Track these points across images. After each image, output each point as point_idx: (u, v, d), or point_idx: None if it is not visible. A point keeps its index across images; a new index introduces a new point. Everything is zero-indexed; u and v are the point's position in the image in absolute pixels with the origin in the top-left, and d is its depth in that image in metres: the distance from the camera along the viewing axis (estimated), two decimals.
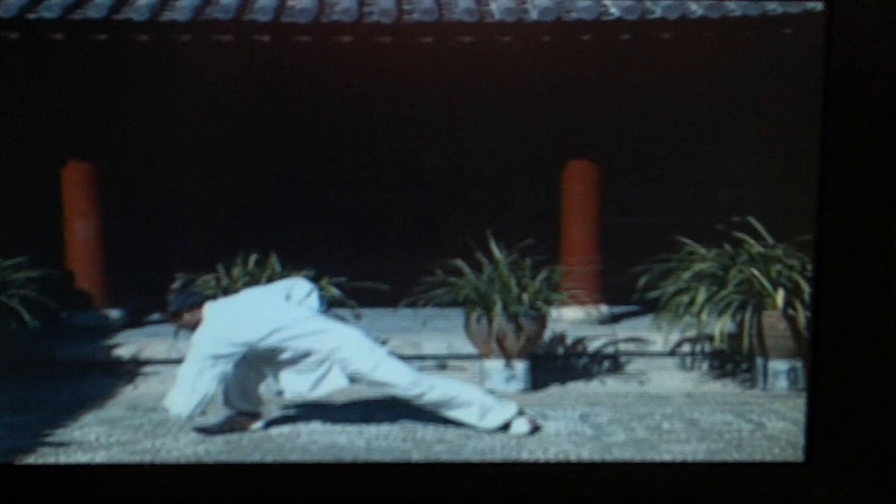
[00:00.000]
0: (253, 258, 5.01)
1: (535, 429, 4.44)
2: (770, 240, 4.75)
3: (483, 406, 4.47)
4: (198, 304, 4.43)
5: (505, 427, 4.42)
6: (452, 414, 4.44)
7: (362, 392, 4.59)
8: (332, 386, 4.44)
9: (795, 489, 3.58)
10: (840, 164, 3.34)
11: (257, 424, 4.46)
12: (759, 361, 4.87)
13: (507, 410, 4.45)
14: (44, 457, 4.17)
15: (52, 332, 5.02)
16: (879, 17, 3.26)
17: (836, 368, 3.42)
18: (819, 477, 3.50)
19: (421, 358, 4.93)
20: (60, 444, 4.28)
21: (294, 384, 4.46)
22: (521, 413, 4.47)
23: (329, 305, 4.91)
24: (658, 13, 5.05)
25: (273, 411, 4.57)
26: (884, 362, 3.38)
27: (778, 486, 3.63)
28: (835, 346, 3.42)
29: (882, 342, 3.38)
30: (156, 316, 5.30)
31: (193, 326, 4.40)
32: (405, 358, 4.63)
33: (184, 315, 4.43)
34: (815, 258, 3.42)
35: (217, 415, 4.46)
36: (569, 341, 5.13)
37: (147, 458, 4.22)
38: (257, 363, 4.44)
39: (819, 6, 3.41)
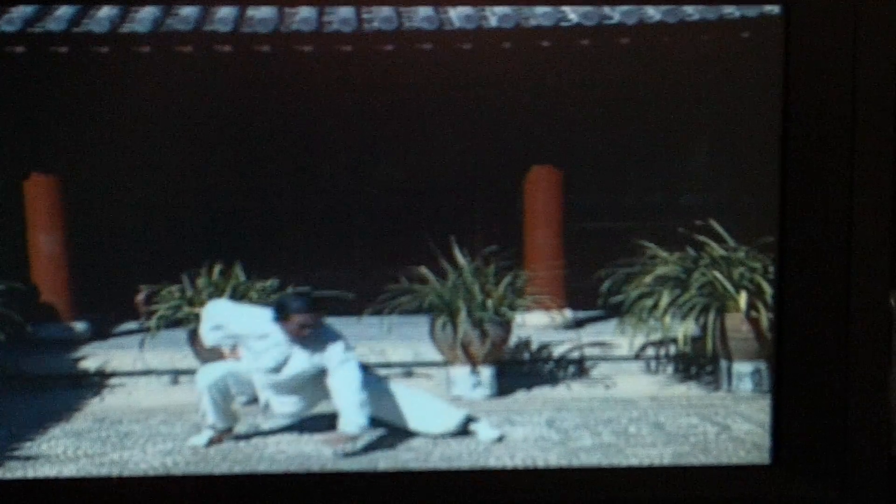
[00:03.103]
0: (217, 268, 5.01)
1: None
2: (732, 243, 4.78)
3: (434, 409, 4.52)
4: (308, 309, 4.47)
5: (468, 433, 4.46)
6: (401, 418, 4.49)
7: (329, 402, 4.61)
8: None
9: (762, 491, 3.60)
10: (800, 166, 3.37)
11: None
12: (723, 364, 4.89)
13: (457, 413, 4.50)
14: (11, 471, 4.15)
15: (18, 345, 5.00)
16: (836, 20, 3.29)
17: (800, 370, 3.45)
18: (785, 479, 3.53)
19: (387, 365, 4.94)
20: (28, 458, 4.26)
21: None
22: (473, 419, 4.51)
23: None
24: (616, 18, 5.07)
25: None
26: (847, 363, 3.41)
27: (744, 489, 3.65)
28: (799, 347, 3.45)
29: (845, 343, 3.41)
30: (121, 328, 5.30)
31: (300, 331, 4.43)
32: (371, 365, 4.66)
33: (296, 317, 4.45)
34: (777, 260, 3.45)
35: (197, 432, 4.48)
36: (534, 347, 5.15)
37: (115, 471, 4.22)
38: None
39: (776, 10, 3.44)
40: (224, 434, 4.45)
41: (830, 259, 3.40)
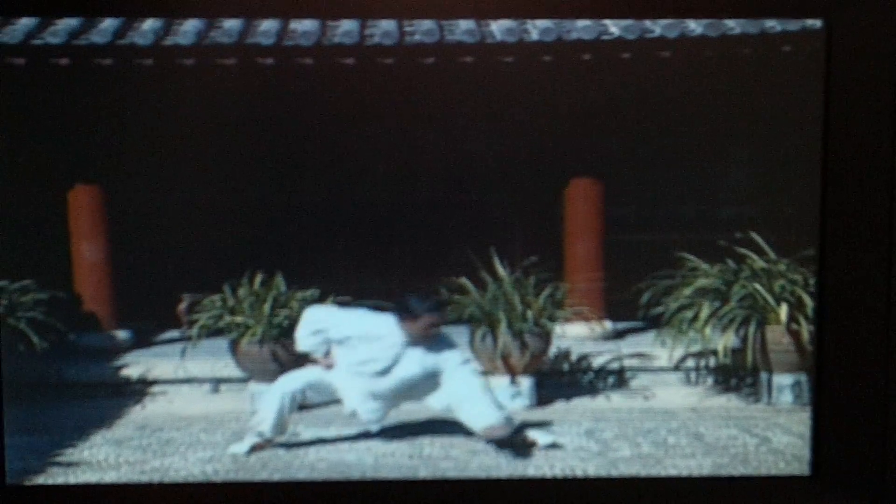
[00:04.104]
0: (258, 278, 5.04)
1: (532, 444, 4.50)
2: (773, 255, 4.77)
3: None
4: (437, 309, 4.50)
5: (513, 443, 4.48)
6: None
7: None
8: None
9: (801, 502, 3.60)
10: (841, 177, 3.37)
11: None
12: (763, 376, 4.88)
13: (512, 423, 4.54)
14: (53, 477, 4.18)
15: (61, 353, 5.03)
16: (878, 34, 3.29)
17: (841, 381, 3.44)
18: (826, 490, 3.52)
19: None
20: (70, 465, 4.29)
21: None
22: (526, 427, 4.53)
23: None
24: (657, 32, 5.07)
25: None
26: (888, 375, 3.41)
27: (784, 500, 3.65)
28: (839, 359, 3.44)
29: (886, 354, 3.40)
30: (163, 336, 5.33)
31: (427, 331, 4.46)
32: None
33: (425, 318, 4.48)
34: (818, 271, 3.45)
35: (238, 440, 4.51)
36: (574, 357, 5.14)
37: (156, 478, 4.24)
38: None
39: (818, 24, 3.45)
40: (266, 443, 4.47)
41: (871, 270, 3.40)
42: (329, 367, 4.59)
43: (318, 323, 4.64)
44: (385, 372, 4.54)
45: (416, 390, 4.58)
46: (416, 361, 4.53)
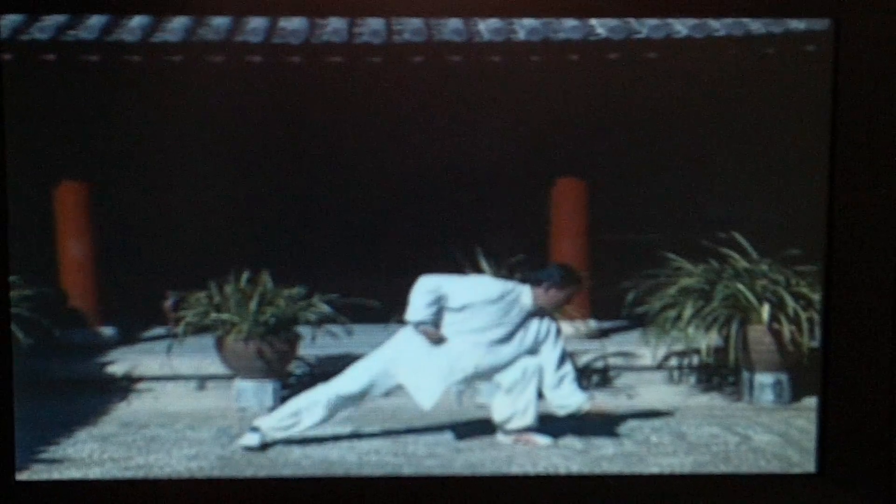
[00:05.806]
0: (245, 275, 5.04)
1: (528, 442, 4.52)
2: (755, 255, 4.79)
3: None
4: (565, 283, 4.51)
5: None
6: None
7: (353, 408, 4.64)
8: None
9: (808, 501, 3.61)
10: (849, 177, 3.38)
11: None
12: (745, 375, 4.90)
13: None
14: (37, 473, 4.19)
15: (46, 350, 5.03)
16: (888, 34, 3.30)
17: (847, 378, 3.46)
18: (831, 488, 3.54)
19: None
20: (54, 461, 4.29)
21: None
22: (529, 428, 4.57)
23: (320, 322, 4.96)
24: (644, 33, 5.08)
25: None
26: (894, 372, 3.42)
27: (790, 498, 3.66)
28: (845, 356, 3.45)
29: (892, 352, 3.42)
30: (149, 333, 5.33)
31: (566, 302, 4.47)
32: None
33: (569, 287, 4.50)
34: (824, 269, 3.46)
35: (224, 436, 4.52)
36: None
37: (140, 474, 4.25)
38: None
39: (802, 25, 3.46)
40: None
41: (878, 269, 3.42)
42: (439, 340, 4.56)
43: (438, 290, 4.59)
44: (505, 340, 4.53)
45: (511, 362, 4.59)
46: (531, 332, 4.53)
